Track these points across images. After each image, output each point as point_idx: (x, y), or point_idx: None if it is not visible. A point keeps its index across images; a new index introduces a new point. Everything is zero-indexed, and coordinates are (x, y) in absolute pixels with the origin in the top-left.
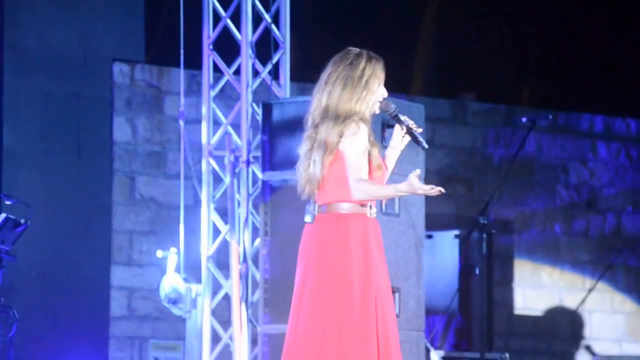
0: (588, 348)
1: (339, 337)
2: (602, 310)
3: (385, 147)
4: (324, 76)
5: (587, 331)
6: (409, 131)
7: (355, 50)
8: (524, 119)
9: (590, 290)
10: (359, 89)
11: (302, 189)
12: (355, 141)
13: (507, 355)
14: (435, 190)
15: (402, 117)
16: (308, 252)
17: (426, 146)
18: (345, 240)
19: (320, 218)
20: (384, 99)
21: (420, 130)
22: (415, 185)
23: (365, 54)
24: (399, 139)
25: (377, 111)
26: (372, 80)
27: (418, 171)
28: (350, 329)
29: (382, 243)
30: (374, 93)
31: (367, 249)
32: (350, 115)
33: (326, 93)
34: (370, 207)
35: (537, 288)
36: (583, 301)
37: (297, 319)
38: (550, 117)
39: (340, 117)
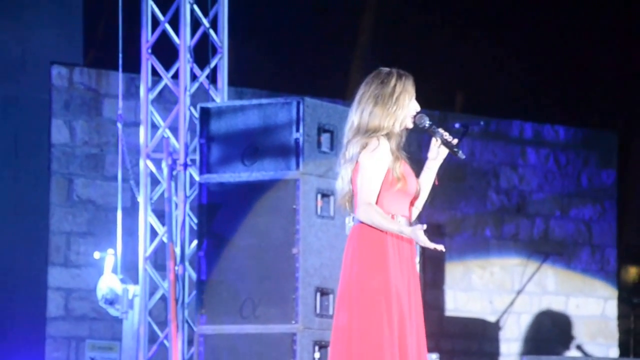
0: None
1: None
2: (530, 312)
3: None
4: (357, 97)
5: (516, 332)
6: (445, 143)
7: (386, 69)
8: (457, 125)
9: (519, 293)
10: (390, 105)
11: (338, 204)
12: (373, 157)
13: (438, 355)
14: (437, 248)
15: (437, 130)
16: (343, 259)
17: (463, 156)
18: (363, 249)
19: (353, 229)
20: (418, 113)
21: (455, 141)
22: (420, 237)
23: (395, 72)
24: (435, 151)
25: (410, 126)
26: (403, 96)
27: (425, 226)
28: (359, 323)
29: (407, 253)
30: (405, 108)
31: (384, 258)
32: (378, 130)
33: (359, 112)
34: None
35: (468, 290)
36: (512, 303)
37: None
38: (482, 123)
39: (368, 132)
